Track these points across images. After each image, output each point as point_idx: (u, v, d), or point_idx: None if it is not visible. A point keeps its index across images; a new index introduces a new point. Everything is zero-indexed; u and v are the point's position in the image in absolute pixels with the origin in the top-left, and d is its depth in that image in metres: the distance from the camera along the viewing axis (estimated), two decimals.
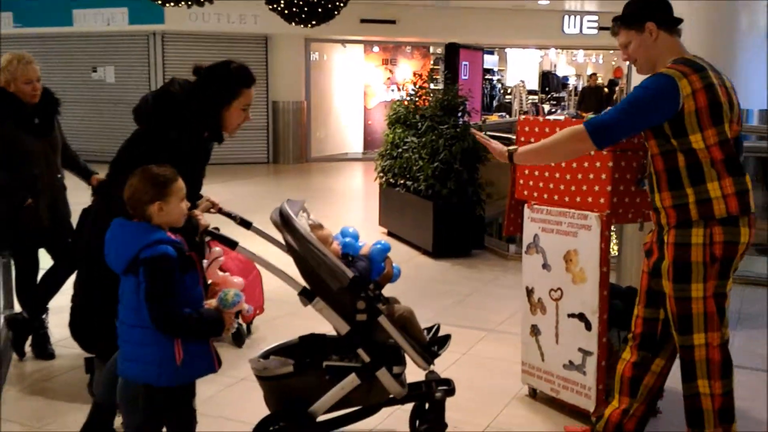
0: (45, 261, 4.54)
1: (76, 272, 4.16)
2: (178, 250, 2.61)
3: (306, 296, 2.86)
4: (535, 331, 3.86)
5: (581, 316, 3.61)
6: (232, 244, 2.86)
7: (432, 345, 3.14)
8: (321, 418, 3.03)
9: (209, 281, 3.94)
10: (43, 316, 4.52)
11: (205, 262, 3.86)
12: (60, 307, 4.61)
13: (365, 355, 2.90)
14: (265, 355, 3.10)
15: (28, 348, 4.50)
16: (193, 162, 2.90)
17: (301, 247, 2.80)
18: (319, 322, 3.68)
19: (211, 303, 2.71)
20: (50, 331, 4.55)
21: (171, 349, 2.59)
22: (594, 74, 17.93)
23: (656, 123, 2.78)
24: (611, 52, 21.34)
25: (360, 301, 2.85)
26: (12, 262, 4.71)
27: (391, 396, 3.05)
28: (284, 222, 2.88)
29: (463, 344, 4.69)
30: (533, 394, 4.00)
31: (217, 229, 2.97)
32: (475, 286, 6.27)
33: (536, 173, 3.79)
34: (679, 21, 2.94)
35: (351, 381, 2.91)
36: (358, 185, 13.35)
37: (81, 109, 14.50)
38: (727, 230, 2.76)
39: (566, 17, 16.36)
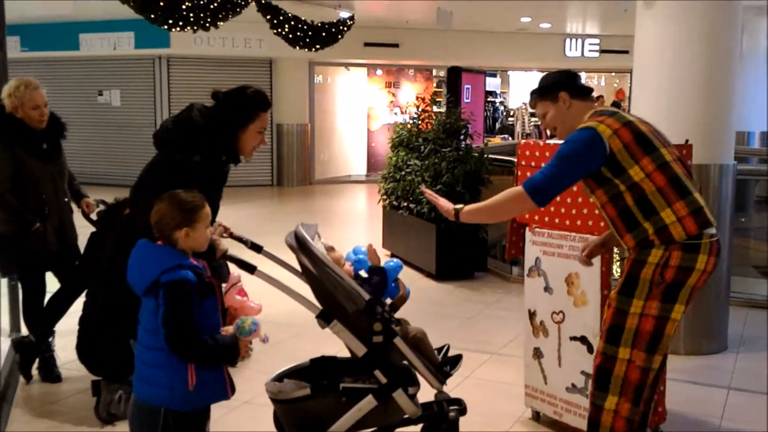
0: (51, 284, 4.59)
1: (85, 295, 4.22)
2: (198, 276, 2.64)
3: (324, 319, 2.90)
4: (537, 354, 3.89)
5: (583, 339, 3.64)
6: (250, 269, 2.90)
7: (444, 365, 3.18)
8: None
9: (227, 306, 3.97)
10: (50, 339, 4.55)
11: (223, 286, 3.90)
12: (66, 330, 4.65)
13: (382, 376, 2.94)
14: (279, 378, 3.13)
15: (34, 371, 4.53)
16: (212, 186, 2.96)
17: (319, 271, 2.84)
18: (322, 344, 3.72)
19: (228, 330, 2.74)
20: (56, 354, 4.58)
21: (184, 374, 2.62)
22: (601, 97, 17.82)
23: (590, 171, 2.90)
24: (613, 74, 21.47)
25: (377, 323, 2.89)
26: (19, 286, 4.76)
27: (406, 416, 3.08)
28: (301, 245, 2.92)
29: (466, 367, 4.66)
30: (537, 417, 4.01)
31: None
32: (478, 309, 6.30)
33: None
34: (590, 90, 3.17)
35: (368, 402, 2.93)
36: (361, 207, 13.40)
37: (86, 133, 14.61)
38: (685, 256, 2.81)
39: (568, 40, 16.50)
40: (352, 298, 2.84)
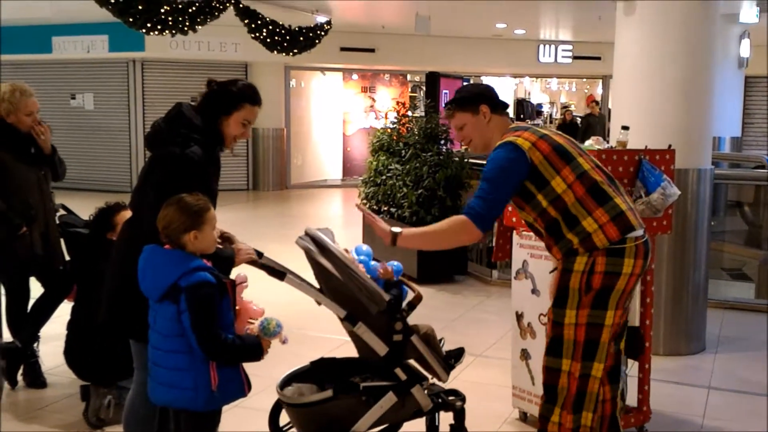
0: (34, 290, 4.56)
1: (74, 300, 4.19)
2: (215, 277, 2.68)
3: (350, 321, 2.94)
4: (525, 355, 3.95)
5: None
6: (280, 275, 2.93)
7: (449, 358, 3.26)
8: None
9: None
10: (35, 345, 4.52)
11: None
12: (50, 335, 4.62)
13: (402, 373, 3.01)
14: (286, 383, 3.15)
15: (19, 377, 4.48)
16: (211, 174, 3.01)
17: (342, 273, 2.88)
18: (310, 348, 3.73)
19: (253, 329, 2.78)
20: (41, 360, 4.54)
21: (207, 374, 2.65)
22: (596, 102, 16.64)
23: (519, 183, 2.89)
24: (584, 80, 21.75)
25: (397, 323, 2.95)
26: (1, 291, 4.72)
27: (416, 410, 3.14)
28: (321, 248, 2.97)
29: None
30: (524, 417, 4.07)
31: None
32: (460, 312, 6.35)
33: None
34: (507, 105, 3.17)
35: (389, 399, 2.99)
36: (339, 212, 13.43)
37: (59, 136, 14.21)
38: (609, 261, 2.79)
39: (541, 46, 16.68)
40: (375, 300, 2.89)
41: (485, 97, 3.08)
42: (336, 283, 2.94)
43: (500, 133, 3.02)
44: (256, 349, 2.73)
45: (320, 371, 3.20)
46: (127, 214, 4.04)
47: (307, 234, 3.02)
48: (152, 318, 2.74)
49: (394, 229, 2.96)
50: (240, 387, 2.79)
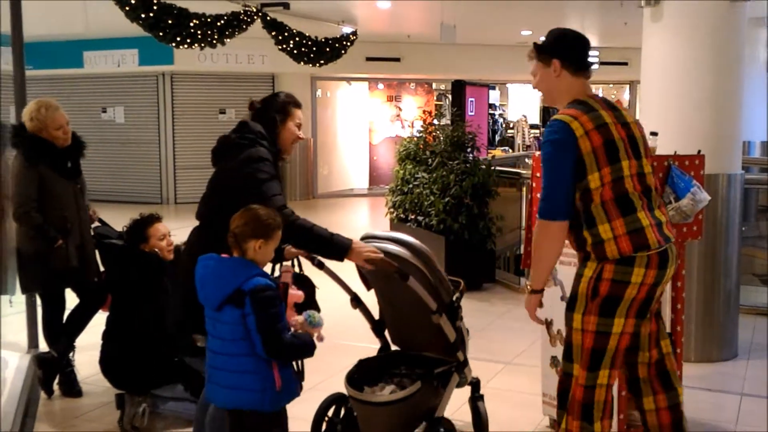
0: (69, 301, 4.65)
1: (110, 310, 4.28)
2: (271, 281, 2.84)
3: (438, 313, 3.13)
4: (555, 362, 3.94)
5: None
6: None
7: None
8: None
9: None
10: (70, 355, 4.60)
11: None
12: (85, 345, 4.70)
13: (462, 354, 3.27)
14: (355, 387, 3.27)
15: (55, 386, 4.56)
16: (278, 178, 3.17)
17: (430, 270, 3.09)
18: (340, 356, 3.75)
19: (298, 320, 2.90)
20: (77, 369, 4.62)
21: (272, 375, 2.77)
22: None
23: (574, 163, 2.78)
24: (611, 86, 21.62)
25: (460, 310, 3.22)
26: (38, 302, 4.82)
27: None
28: (413, 251, 3.12)
29: (481, 377, 4.70)
30: (554, 425, 4.06)
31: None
32: (489, 320, 6.35)
33: None
34: (588, 64, 2.96)
35: (455, 380, 3.27)
36: (366, 220, 13.47)
37: (90, 149, 14.43)
38: (618, 269, 2.74)
39: None
40: (449, 291, 3.15)
41: (561, 50, 2.89)
42: (419, 276, 3.07)
43: (569, 95, 2.89)
44: (310, 346, 2.86)
45: (366, 370, 3.39)
46: (161, 226, 4.14)
47: (371, 237, 3.16)
48: (210, 325, 2.83)
49: (528, 286, 2.93)
50: (296, 388, 2.94)
